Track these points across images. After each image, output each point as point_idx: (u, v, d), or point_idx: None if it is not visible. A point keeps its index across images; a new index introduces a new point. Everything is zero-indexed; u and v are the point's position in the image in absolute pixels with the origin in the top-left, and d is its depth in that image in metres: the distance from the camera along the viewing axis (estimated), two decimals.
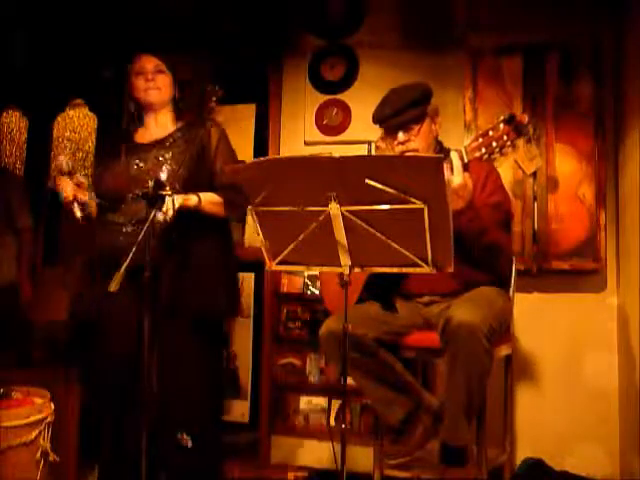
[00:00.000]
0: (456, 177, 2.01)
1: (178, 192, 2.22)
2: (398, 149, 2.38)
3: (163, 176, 2.24)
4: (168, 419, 2.26)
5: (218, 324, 2.55)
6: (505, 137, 1.95)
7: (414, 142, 2.36)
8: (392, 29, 3.28)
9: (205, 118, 2.57)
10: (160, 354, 2.21)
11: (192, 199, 2.28)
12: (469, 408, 2.14)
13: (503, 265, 2.45)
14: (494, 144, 1.97)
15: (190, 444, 2.25)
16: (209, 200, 2.35)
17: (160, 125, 2.47)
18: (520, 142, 2.02)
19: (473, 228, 2.15)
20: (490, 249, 2.25)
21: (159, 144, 2.40)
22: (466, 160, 2.03)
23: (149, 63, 2.42)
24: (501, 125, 1.96)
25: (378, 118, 2.42)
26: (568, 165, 2.95)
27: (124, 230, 2.31)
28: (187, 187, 2.31)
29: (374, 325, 2.30)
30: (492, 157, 2.01)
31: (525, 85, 3.02)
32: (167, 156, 2.36)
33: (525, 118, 1.99)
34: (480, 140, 2.00)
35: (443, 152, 2.35)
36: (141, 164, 2.36)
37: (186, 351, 2.33)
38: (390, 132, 2.41)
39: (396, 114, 2.34)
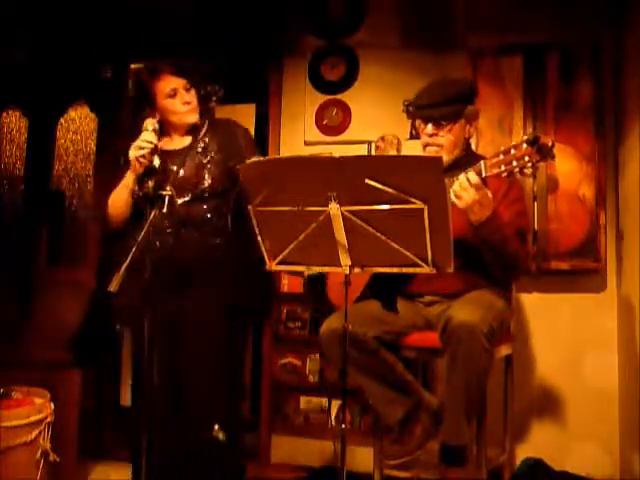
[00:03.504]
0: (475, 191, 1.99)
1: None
2: (424, 140, 2.38)
3: (208, 181, 2.30)
4: (192, 418, 2.27)
5: (245, 324, 2.59)
6: (527, 158, 1.89)
7: (441, 138, 2.33)
8: (392, 29, 3.28)
9: (224, 119, 2.57)
10: (183, 353, 2.27)
11: None
12: (469, 408, 2.14)
13: (517, 276, 2.44)
14: (514, 163, 1.91)
15: (223, 438, 2.25)
16: None
17: (185, 133, 2.45)
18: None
19: (496, 238, 2.14)
20: (510, 259, 2.23)
21: (191, 149, 2.39)
22: (484, 175, 1.99)
23: (179, 84, 2.37)
24: (524, 145, 1.89)
25: (413, 105, 2.40)
26: (568, 165, 2.95)
27: (167, 232, 2.30)
28: (225, 190, 2.36)
29: (375, 324, 2.30)
30: (511, 176, 1.97)
31: (525, 85, 3.02)
32: (205, 161, 2.37)
33: (550, 140, 1.91)
34: (501, 157, 1.94)
35: (470, 155, 2.34)
36: (181, 170, 2.34)
37: (212, 350, 2.34)
38: (421, 120, 2.39)
39: (430, 106, 2.32)
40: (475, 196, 2.00)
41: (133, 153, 2.23)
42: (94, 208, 2.50)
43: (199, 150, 2.39)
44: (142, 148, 2.21)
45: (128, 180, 2.30)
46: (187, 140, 2.44)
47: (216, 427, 2.24)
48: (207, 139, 2.42)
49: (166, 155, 2.40)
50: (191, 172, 2.33)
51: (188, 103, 2.38)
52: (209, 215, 2.35)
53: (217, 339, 2.34)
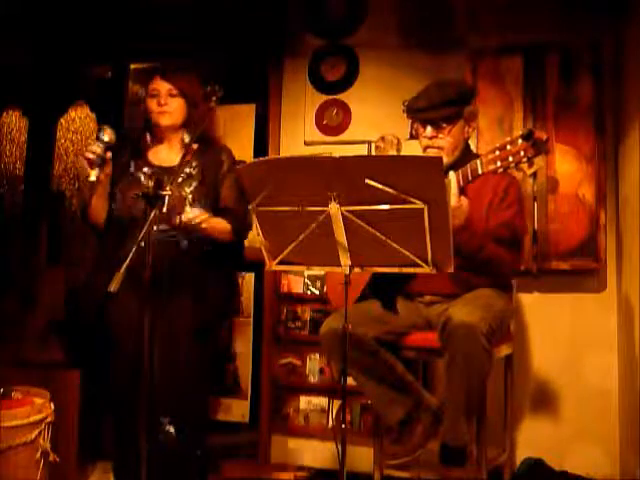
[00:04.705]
0: (451, 199, 1.96)
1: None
2: (424, 142, 2.37)
3: (187, 216, 2.31)
4: (155, 408, 2.28)
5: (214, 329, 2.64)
6: (522, 153, 1.91)
7: (441, 140, 2.33)
8: (392, 29, 3.28)
9: (216, 142, 2.63)
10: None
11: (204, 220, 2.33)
12: (469, 408, 2.14)
13: (503, 276, 2.43)
14: (510, 159, 1.93)
15: (172, 430, 2.26)
16: (219, 228, 2.42)
17: (172, 148, 2.50)
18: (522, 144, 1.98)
19: (471, 245, 2.16)
20: (487, 263, 2.25)
21: (177, 170, 2.41)
22: (480, 171, 2.01)
23: (162, 87, 2.46)
24: (519, 140, 1.91)
25: (411, 108, 2.39)
26: (568, 165, 2.95)
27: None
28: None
29: (375, 324, 2.30)
30: (507, 171, 1.99)
31: (525, 85, 3.02)
32: (188, 191, 2.41)
33: (544, 135, 1.93)
34: (497, 153, 1.96)
35: (469, 156, 2.33)
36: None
37: (180, 339, 2.38)
38: (420, 124, 2.38)
39: (429, 109, 2.31)
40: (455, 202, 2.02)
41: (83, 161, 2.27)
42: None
43: (184, 176, 2.43)
44: (87, 158, 2.24)
45: (95, 190, 2.38)
46: (175, 157, 2.45)
47: (166, 422, 2.25)
48: (194, 164, 2.46)
49: (152, 169, 2.46)
50: (171, 202, 2.34)
51: (164, 104, 2.45)
52: (181, 239, 2.39)
53: (186, 340, 2.38)
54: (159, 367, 2.29)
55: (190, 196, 2.41)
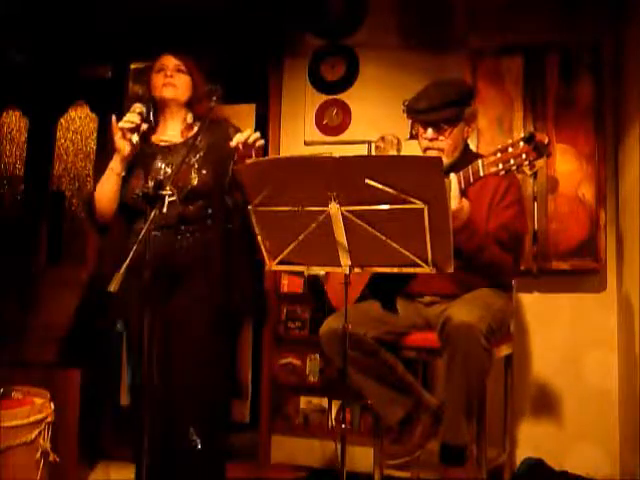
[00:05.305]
0: (452, 201, 1.98)
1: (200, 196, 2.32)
2: (424, 144, 2.35)
3: (195, 182, 2.31)
4: (177, 419, 2.26)
5: (236, 325, 2.59)
6: (524, 156, 1.90)
7: (442, 142, 2.31)
8: (392, 29, 3.28)
9: (222, 119, 2.58)
10: (174, 353, 2.26)
11: None
12: (468, 408, 2.14)
13: (502, 278, 2.43)
14: (512, 161, 1.93)
15: (199, 445, 2.24)
16: None
17: (176, 126, 2.48)
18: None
19: (471, 245, 2.15)
20: (489, 265, 2.25)
21: (182, 146, 2.40)
22: (482, 174, 2.00)
23: (170, 61, 2.45)
24: (520, 143, 1.91)
25: (411, 110, 2.37)
26: (568, 165, 2.95)
27: (153, 235, 2.22)
28: (214, 190, 2.35)
29: (374, 325, 2.30)
30: (509, 174, 1.99)
31: (525, 85, 3.02)
32: (193, 160, 2.37)
33: (545, 138, 1.92)
34: (498, 155, 1.95)
35: (469, 156, 2.32)
36: (168, 169, 2.35)
37: (201, 350, 2.34)
38: (421, 125, 2.36)
39: (430, 110, 2.29)
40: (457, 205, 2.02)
41: (117, 132, 2.30)
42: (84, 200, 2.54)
43: (188, 148, 2.38)
44: (123, 127, 2.29)
45: (115, 163, 2.34)
46: (178, 135, 2.45)
47: (191, 431, 2.24)
48: (199, 138, 2.42)
49: (157, 149, 2.42)
50: (178, 171, 2.33)
51: (170, 77, 2.42)
52: (194, 215, 2.34)
53: (202, 339, 2.33)
54: (178, 368, 2.28)
55: (196, 165, 2.37)
